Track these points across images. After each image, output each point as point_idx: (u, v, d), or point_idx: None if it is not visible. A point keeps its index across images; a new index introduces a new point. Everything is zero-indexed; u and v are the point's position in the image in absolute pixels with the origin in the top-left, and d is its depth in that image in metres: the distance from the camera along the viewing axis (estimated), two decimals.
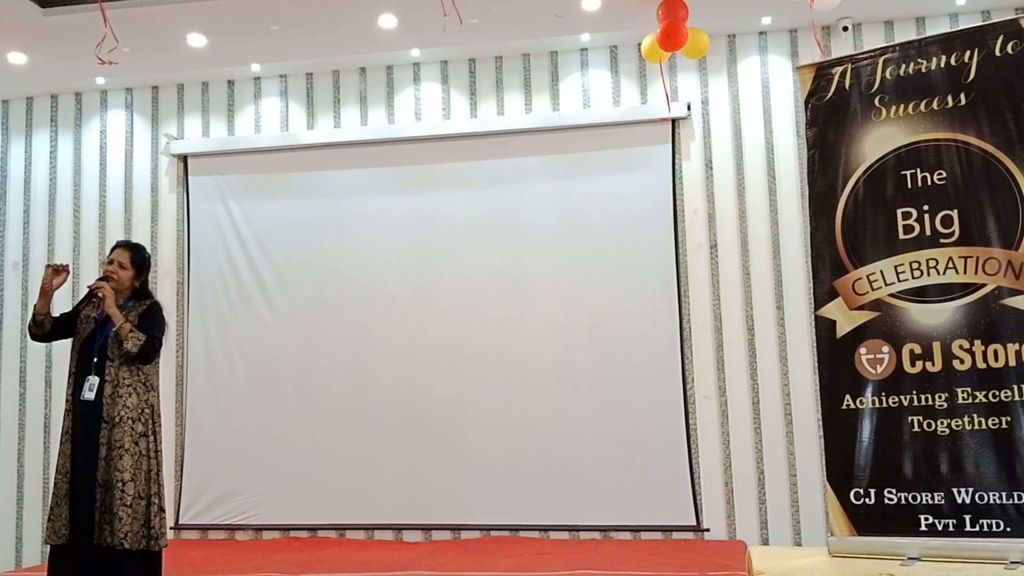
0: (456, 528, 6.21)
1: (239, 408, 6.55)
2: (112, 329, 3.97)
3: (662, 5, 5.47)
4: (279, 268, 6.62)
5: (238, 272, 6.65)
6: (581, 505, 6.05)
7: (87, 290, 4.14)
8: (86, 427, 3.90)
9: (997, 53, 3.94)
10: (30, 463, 6.76)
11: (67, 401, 3.99)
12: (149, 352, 3.98)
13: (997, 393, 3.87)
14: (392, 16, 5.79)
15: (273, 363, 6.54)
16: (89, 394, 3.91)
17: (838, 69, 4.27)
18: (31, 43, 6.04)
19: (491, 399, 6.25)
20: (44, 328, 4.10)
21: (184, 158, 6.84)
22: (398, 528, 6.28)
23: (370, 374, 6.41)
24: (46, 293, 4.04)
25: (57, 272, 4.06)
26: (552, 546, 5.78)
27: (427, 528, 6.24)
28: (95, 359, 3.96)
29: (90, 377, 3.93)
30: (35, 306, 4.07)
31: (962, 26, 5.80)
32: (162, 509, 4.00)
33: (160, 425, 4.11)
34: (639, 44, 6.00)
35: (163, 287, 6.69)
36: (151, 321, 4.06)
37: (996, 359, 3.88)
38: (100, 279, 4.06)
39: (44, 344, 6.12)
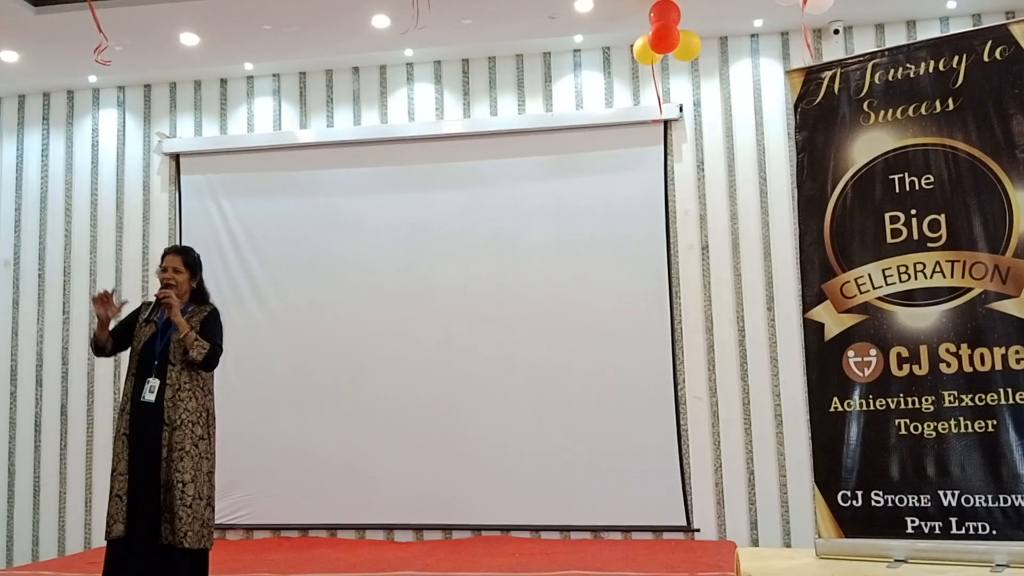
0: (447, 528, 6.22)
1: (230, 407, 6.51)
2: (175, 335, 4.03)
3: (654, 7, 5.48)
4: (271, 267, 6.62)
5: (230, 271, 6.65)
6: (572, 505, 6.06)
7: (154, 298, 4.17)
8: (146, 428, 3.95)
9: (985, 59, 3.97)
10: (21, 463, 6.75)
11: (125, 401, 4.05)
12: (212, 360, 4.09)
13: (983, 396, 3.90)
14: (385, 16, 5.79)
15: (264, 362, 6.53)
16: (149, 396, 3.96)
17: (827, 73, 4.30)
18: (23, 41, 6.03)
19: (482, 399, 6.26)
20: (107, 350, 4.17)
21: (176, 157, 6.83)
22: (389, 528, 6.29)
23: (362, 374, 6.41)
24: (104, 325, 4.10)
25: (104, 303, 4.07)
26: (543, 546, 5.80)
27: (418, 528, 6.25)
28: (156, 362, 4.01)
29: (150, 379, 3.98)
30: (95, 332, 4.13)
31: (953, 30, 5.83)
32: (213, 509, 4.09)
33: (215, 427, 4.20)
34: (631, 46, 6.01)
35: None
36: (213, 328, 4.15)
37: (982, 363, 3.92)
38: (164, 287, 4.11)
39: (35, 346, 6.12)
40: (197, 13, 5.70)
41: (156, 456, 3.91)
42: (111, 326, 4.16)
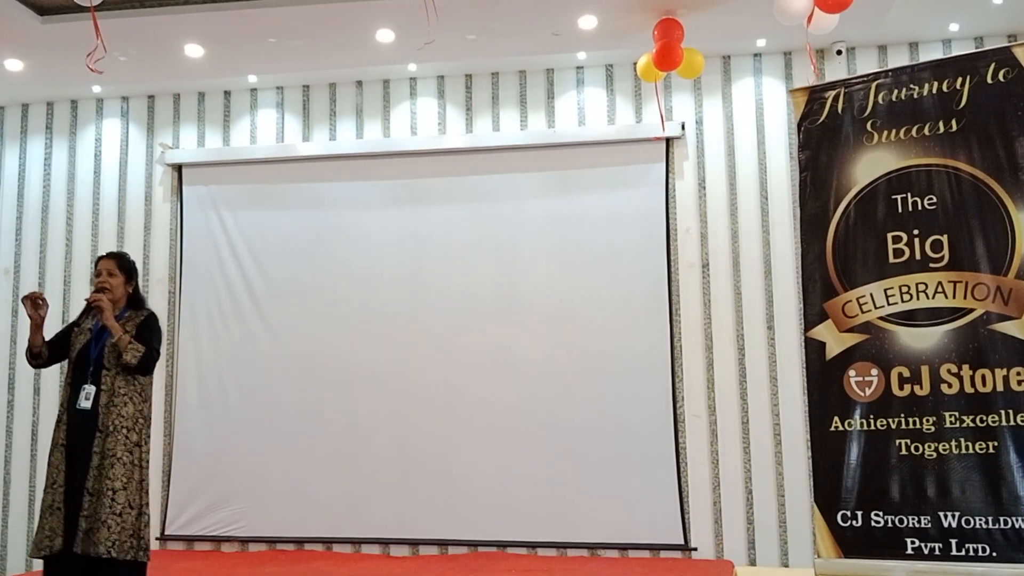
0: (444, 543, 6.19)
1: (227, 419, 6.53)
2: (109, 340, 3.97)
3: (658, 25, 5.52)
4: (271, 280, 6.62)
5: (230, 283, 6.65)
6: (569, 522, 6.04)
7: (85, 303, 4.13)
8: (81, 436, 3.88)
9: (989, 80, 3.97)
10: (16, 471, 6.73)
11: (61, 411, 3.98)
12: (148, 363, 4.00)
13: (984, 418, 3.88)
14: (390, 31, 5.81)
15: (262, 374, 6.52)
16: (85, 403, 3.90)
17: (831, 93, 4.30)
18: (28, 50, 6.04)
19: (481, 414, 6.24)
20: (42, 358, 4.11)
21: (179, 168, 6.84)
22: (385, 542, 6.26)
23: (360, 388, 6.40)
24: (38, 327, 4.05)
25: (36, 303, 4.04)
26: (540, 563, 5.77)
27: (415, 543, 6.22)
28: (91, 368, 3.96)
29: (86, 386, 3.93)
30: (28, 340, 4.08)
31: (955, 52, 5.87)
32: (148, 519, 3.98)
33: (150, 435, 4.09)
34: (635, 63, 6.04)
35: (155, 297, 6.68)
36: (149, 332, 4.07)
37: (984, 384, 3.90)
38: (96, 291, 4.06)
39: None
40: (202, 25, 5.72)
41: (87, 464, 3.83)
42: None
